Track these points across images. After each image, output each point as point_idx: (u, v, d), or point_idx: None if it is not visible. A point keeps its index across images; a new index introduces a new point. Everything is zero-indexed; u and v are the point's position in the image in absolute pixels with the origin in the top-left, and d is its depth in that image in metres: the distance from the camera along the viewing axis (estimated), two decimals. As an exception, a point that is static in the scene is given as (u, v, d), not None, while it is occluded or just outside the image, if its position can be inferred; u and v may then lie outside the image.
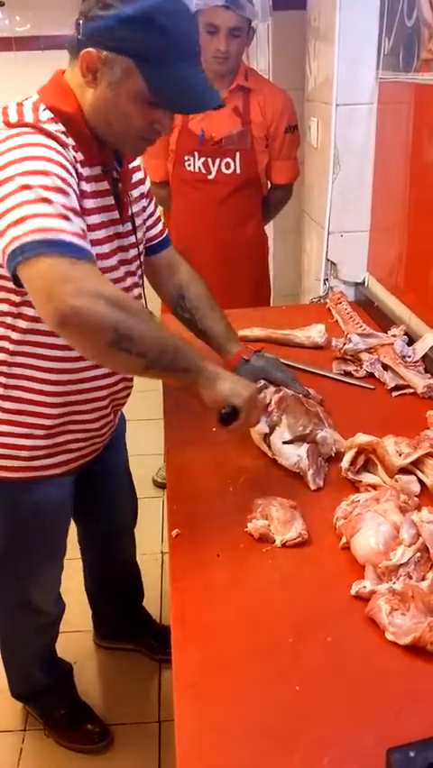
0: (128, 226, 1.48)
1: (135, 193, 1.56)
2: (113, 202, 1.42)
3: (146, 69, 1.23)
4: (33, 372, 1.42)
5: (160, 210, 1.72)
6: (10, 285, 1.26)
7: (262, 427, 1.55)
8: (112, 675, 2.35)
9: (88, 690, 2.23)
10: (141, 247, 1.58)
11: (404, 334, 1.99)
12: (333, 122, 2.29)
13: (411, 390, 1.80)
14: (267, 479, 1.50)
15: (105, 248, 1.41)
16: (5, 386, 1.43)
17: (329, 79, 2.29)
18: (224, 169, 2.66)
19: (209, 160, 2.66)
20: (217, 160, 2.66)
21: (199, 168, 2.68)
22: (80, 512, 1.86)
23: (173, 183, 2.81)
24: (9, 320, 1.37)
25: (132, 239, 1.50)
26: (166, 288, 1.77)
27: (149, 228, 1.65)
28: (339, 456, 1.52)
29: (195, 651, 1.09)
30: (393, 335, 1.99)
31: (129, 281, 1.51)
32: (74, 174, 1.25)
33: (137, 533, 2.24)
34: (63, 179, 1.20)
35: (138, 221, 1.54)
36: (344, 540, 1.27)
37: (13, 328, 1.38)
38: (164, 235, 1.72)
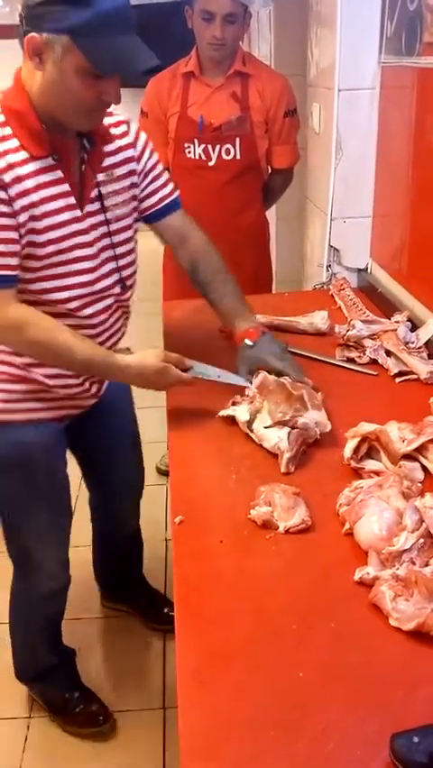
0: (95, 206, 1.60)
1: (121, 170, 1.65)
2: (68, 188, 1.53)
3: (82, 43, 1.35)
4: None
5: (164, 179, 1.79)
6: None
7: (243, 415, 1.57)
8: (115, 662, 2.36)
9: (91, 677, 2.24)
10: (117, 224, 1.66)
11: (407, 320, 1.98)
12: (335, 107, 2.28)
13: (415, 376, 1.79)
14: (270, 465, 1.49)
15: (62, 231, 1.54)
16: None
17: (331, 64, 2.27)
18: (224, 156, 2.65)
19: (209, 146, 2.65)
20: (217, 147, 2.64)
21: (199, 155, 2.67)
22: (85, 473, 2.09)
23: (174, 170, 2.79)
24: None
25: (92, 220, 1.60)
26: (180, 259, 1.85)
27: (142, 199, 1.74)
28: (338, 438, 1.52)
29: (198, 638, 1.09)
30: (397, 321, 1.98)
31: (102, 257, 1.64)
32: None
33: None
34: None
35: (118, 198, 1.65)
36: (347, 526, 1.27)
37: None
38: (163, 204, 1.78)
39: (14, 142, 1.44)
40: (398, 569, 1.13)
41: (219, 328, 2.01)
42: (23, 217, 1.46)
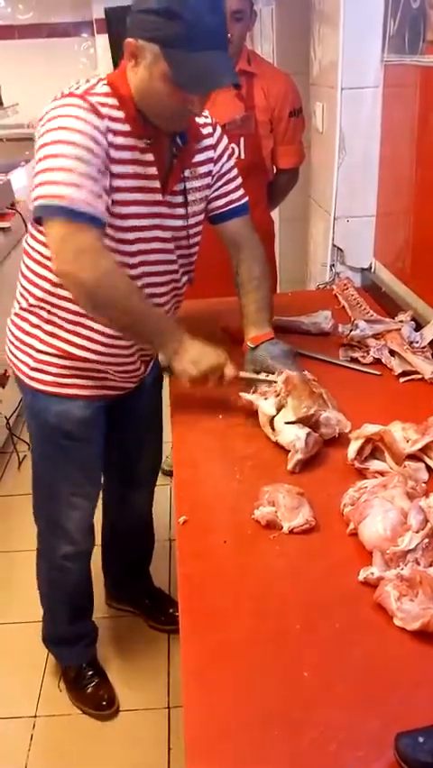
0: (177, 199, 1.69)
1: (203, 169, 1.75)
2: (155, 172, 1.61)
3: (169, 54, 1.43)
4: (68, 304, 1.65)
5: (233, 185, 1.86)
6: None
7: (269, 409, 1.57)
8: (120, 662, 2.36)
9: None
10: (194, 219, 1.75)
11: (411, 320, 1.98)
12: (338, 106, 2.28)
13: (419, 376, 1.79)
14: (274, 466, 1.49)
15: (132, 209, 1.60)
16: (48, 312, 1.69)
17: (334, 63, 2.27)
18: (228, 155, 2.64)
19: None
20: (221, 146, 2.63)
21: None
22: (110, 456, 2.07)
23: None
24: (49, 263, 1.60)
25: (178, 210, 1.70)
26: (232, 259, 1.92)
27: (211, 200, 1.83)
28: (342, 438, 1.52)
29: (203, 638, 1.09)
30: (400, 321, 1.98)
31: (171, 245, 1.71)
32: (102, 142, 1.49)
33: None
34: (87, 149, 1.46)
35: (197, 195, 1.75)
36: (351, 526, 1.27)
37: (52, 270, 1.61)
38: (228, 207, 1.86)
39: (121, 114, 1.54)
40: (402, 569, 1.13)
41: (222, 327, 2.01)
42: (114, 182, 1.55)
